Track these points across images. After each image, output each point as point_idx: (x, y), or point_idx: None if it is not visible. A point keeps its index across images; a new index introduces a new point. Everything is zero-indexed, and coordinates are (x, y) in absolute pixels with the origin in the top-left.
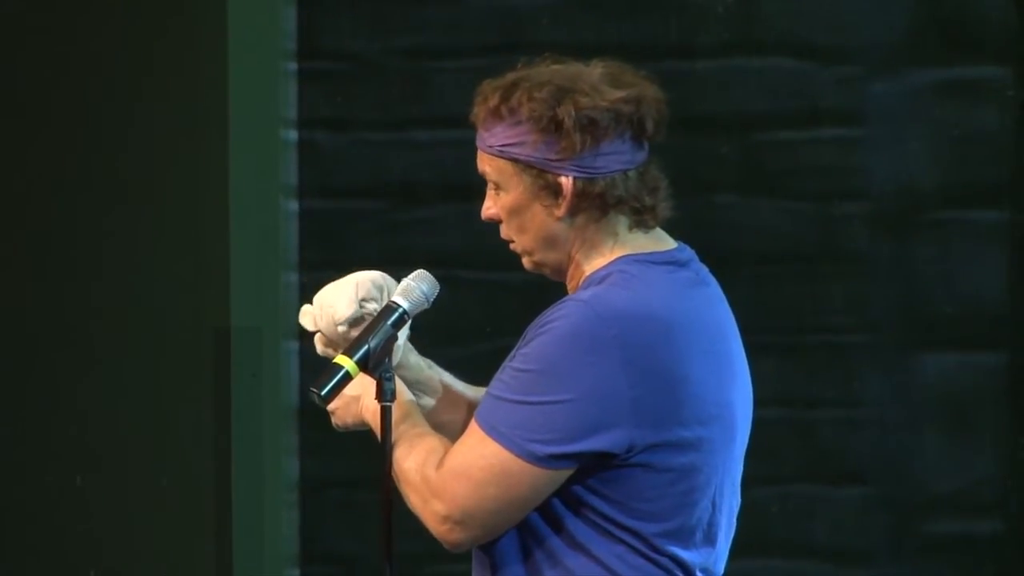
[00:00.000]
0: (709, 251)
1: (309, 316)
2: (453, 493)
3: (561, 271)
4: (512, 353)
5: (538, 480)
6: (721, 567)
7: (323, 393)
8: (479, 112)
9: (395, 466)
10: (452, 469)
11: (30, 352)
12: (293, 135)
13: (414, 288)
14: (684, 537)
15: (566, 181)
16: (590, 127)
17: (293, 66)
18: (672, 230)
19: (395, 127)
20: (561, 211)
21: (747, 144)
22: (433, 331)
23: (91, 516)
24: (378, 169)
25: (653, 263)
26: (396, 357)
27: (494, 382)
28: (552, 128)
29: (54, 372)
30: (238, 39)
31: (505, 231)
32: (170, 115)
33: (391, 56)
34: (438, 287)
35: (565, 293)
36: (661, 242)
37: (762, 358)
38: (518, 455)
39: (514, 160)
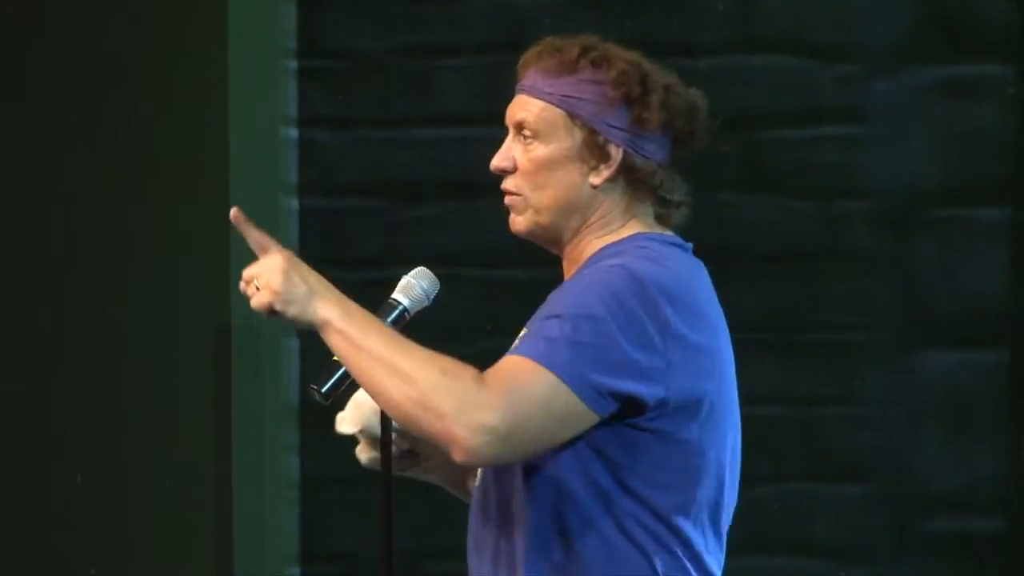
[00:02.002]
0: (710, 249)
1: (348, 421)
2: (508, 407)
3: (558, 240)
4: (544, 308)
5: (580, 418)
6: (722, 556)
7: (323, 390)
8: (546, 60)
9: (399, 369)
10: (508, 386)
11: (30, 351)
12: (294, 133)
13: (414, 285)
14: (691, 512)
15: (616, 150)
16: (657, 110)
17: (293, 64)
18: (673, 227)
19: (396, 125)
20: (600, 178)
21: (748, 142)
22: (434, 329)
23: (91, 515)
24: (379, 167)
25: (665, 243)
26: None
27: (538, 323)
28: (623, 97)
29: (54, 371)
30: (238, 37)
31: (519, 183)
32: (170, 114)
33: (392, 54)
34: (438, 284)
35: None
36: (665, 230)
37: (763, 356)
38: (574, 390)
39: (571, 113)
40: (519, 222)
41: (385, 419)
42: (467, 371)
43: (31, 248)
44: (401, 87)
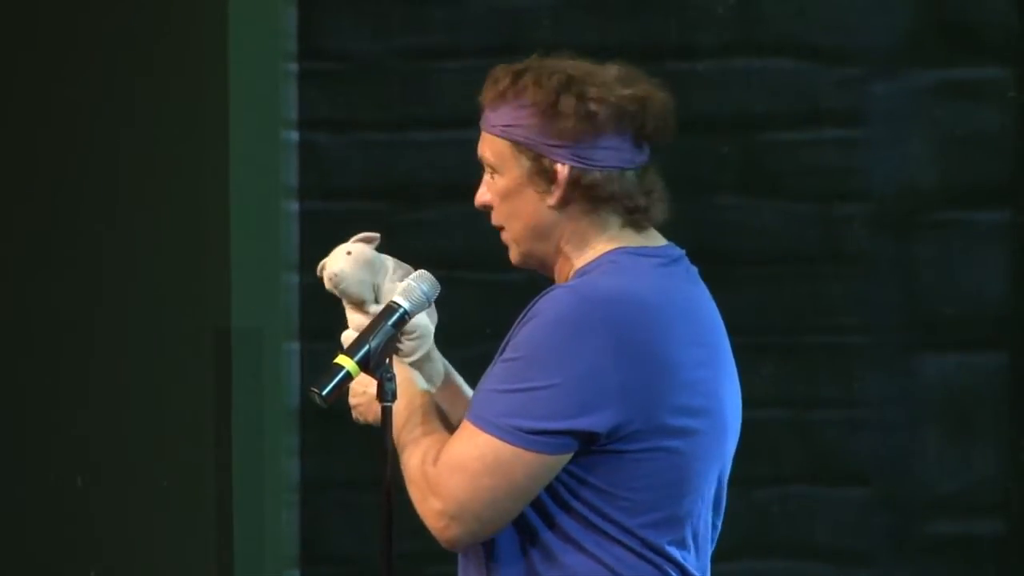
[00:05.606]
0: (709, 252)
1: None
2: (448, 487)
3: (546, 265)
4: (501, 347)
5: (531, 467)
6: (703, 564)
7: (323, 393)
8: (488, 93)
9: (403, 466)
10: (446, 464)
11: (30, 352)
12: (294, 136)
13: (415, 288)
14: (672, 530)
15: (561, 168)
16: (588, 118)
17: (294, 67)
18: (672, 230)
19: (396, 128)
20: (553, 199)
21: (748, 145)
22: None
23: (92, 516)
24: (379, 170)
25: (642, 255)
26: (424, 348)
27: (484, 378)
28: (552, 113)
29: (54, 372)
30: (239, 39)
31: (496, 217)
32: (170, 115)
33: (392, 57)
34: (439, 287)
35: None
36: (652, 240)
37: (762, 359)
38: (509, 442)
39: (513, 141)
40: (511, 255)
41: (385, 420)
42: (431, 454)
43: (32, 250)
44: (401, 90)
